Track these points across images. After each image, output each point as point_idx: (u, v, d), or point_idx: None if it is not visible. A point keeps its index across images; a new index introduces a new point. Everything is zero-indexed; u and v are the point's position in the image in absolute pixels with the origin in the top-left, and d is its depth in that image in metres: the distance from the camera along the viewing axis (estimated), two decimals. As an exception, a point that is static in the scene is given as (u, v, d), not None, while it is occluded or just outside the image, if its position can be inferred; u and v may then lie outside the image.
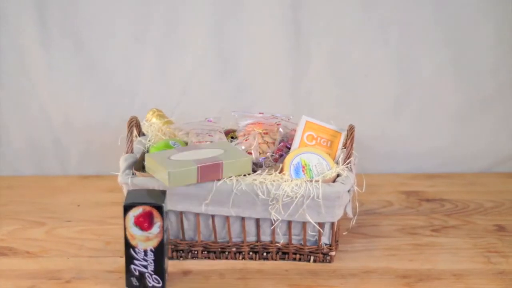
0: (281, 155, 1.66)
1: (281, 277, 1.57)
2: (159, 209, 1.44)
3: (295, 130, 1.70)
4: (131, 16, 2.03)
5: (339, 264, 1.62)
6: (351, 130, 1.64)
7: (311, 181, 1.55)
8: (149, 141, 1.74)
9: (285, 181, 1.55)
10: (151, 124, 1.81)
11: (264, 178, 1.56)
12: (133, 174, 1.59)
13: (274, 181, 1.56)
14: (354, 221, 1.72)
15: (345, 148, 1.66)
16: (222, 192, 1.55)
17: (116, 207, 1.89)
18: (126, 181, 1.57)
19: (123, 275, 1.57)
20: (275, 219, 1.58)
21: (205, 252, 1.63)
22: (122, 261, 1.63)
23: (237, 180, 1.55)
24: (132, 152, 1.64)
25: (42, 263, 1.63)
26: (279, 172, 1.60)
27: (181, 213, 1.60)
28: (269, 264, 1.62)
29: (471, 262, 1.62)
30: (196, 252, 1.64)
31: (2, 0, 2.00)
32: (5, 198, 1.98)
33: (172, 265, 1.62)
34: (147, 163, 1.55)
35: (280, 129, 1.71)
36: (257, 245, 1.63)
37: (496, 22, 2.03)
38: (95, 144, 2.11)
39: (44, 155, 2.14)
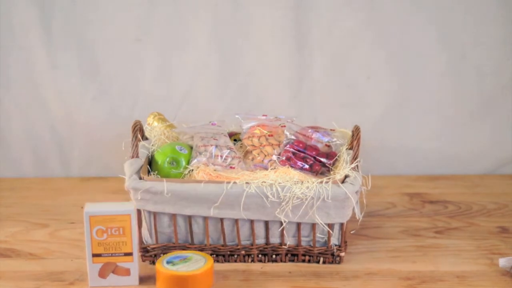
0: (288, 158, 1.66)
1: (284, 278, 1.57)
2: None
3: (299, 132, 1.70)
4: (133, 18, 2.03)
5: (342, 265, 1.62)
6: (357, 131, 1.64)
7: (320, 182, 1.55)
8: (152, 145, 1.73)
9: (295, 183, 1.55)
10: (152, 128, 1.80)
11: (273, 180, 1.56)
12: (140, 178, 1.59)
13: (283, 182, 1.56)
14: (358, 223, 1.72)
15: (351, 149, 1.66)
16: (231, 195, 1.55)
17: (119, 209, 1.90)
18: (135, 186, 1.56)
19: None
20: (285, 222, 1.58)
21: (214, 255, 1.63)
22: (125, 263, 1.64)
23: (246, 182, 1.55)
24: (137, 156, 1.64)
25: (45, 265, 1.63)
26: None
27: (189, 217, 1.59)
28: (272, 266, 1.62)
29: (474, 264, 1.62)
30: (205, 256, 1.64)
31: (5, 2, 2.00)
32: (8, 200, 1.98)
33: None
34: None
35: (286, 132, 1.71)
36: (266, 248, 1.62)
37: (499, 23, 2.03)
38: (98, 146, 2.11)
39: (46, 156, 2.14)
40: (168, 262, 1.50)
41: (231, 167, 1.64)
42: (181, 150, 1.67)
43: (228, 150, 1.67)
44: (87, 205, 1.51)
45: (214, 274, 1.53)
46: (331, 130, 1.74)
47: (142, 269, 1.61)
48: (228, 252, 1.63)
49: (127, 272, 1.53)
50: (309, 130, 1.72)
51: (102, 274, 1.52)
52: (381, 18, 2.03)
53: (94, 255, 1.51)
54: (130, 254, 1.52)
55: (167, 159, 1.65)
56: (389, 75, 2.08)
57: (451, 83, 2.08)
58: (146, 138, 1.76)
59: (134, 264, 1.53)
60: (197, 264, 1.49)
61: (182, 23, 2.04)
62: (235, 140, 1.77)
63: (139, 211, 1.60)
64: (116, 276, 1.53)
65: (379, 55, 2.06)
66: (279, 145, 1.69)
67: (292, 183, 1.56)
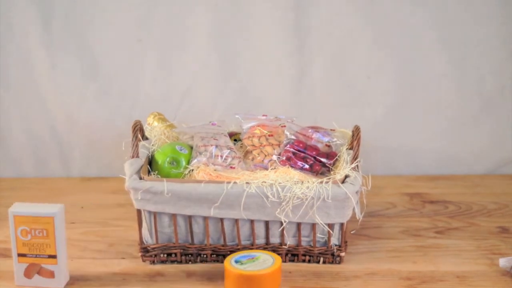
0: (288, 158, 1.66)
1: (284, 278, 1.57)
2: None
3: (300, 132, 1.70)
4: (133, 18, 2.03)
5: (342, 266, 1.62)
6: (357, 131, 1.64)
7: (320, 182, 1.55)
8: (152, 145, 1.73)
9: (295, 183, 1.55)
10: (152, 128, 1.80)
11: (273, 180, 1.56)
12: (140, 178, 1.58)
13: (283, 182, 1.56)
14: (358, 223, 1.72)
15: (351, 149, 1.66)
16: (232, 195, 1.55)
17: (119, 209, 1.90)
18: (135, 186, 1.56)
19: (127, 276, 1.57)
20: (285, 222, 1.58)
21: (214, 255, 1.63)
22: (125, 262, 1.63)
23: (246, 182, 1.55)
24: (137, 156, 1.64)
25: (46, 265, 1.63)
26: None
27: (189, 217, 1.59)
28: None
29: (474, 264, 1.62)
30: (205, 256, 1.63)
31: (5, 2, 2.00)
32: (8, 200, 1.97)
33: (175, 267, 1.62)
34: None
35: (286, 132, 1.71)
36: (266, 248, 1.62)
37: (499, 23, 2.03)
38: (98, 146, 2.11)
39: (47, 156, 2.14)
40: (236, 261, 1.51)
41: (231, 167, 1.64)
42: (181, 150, 1.67)
43: (228, 150, 1.67)
44: (15, 204, 1.51)
45: (282, 274, 1.55)
46: (331, 130, 1.74)
47: (140, 268, 1.61)
48: (229, 252, 1.62)
49: (51, 274, 1.51)
50: (309, 130, 1.72)
51: (28, 274, 1.52)
52: (381, 18, 2.03)
53: (19, 255, 1.51)
54: (54, 256, 1.51)
55: (167, 159, 1.65)
56: (389, 75, 2.08)
57: (451, 83, 2.08)
58: (146, 138, 1.76)
59: (59, 267, 1.51)
60: (264, 264, 1.51)
61: (182, 23, 2.04)
62: (235, 140, 1.77)
63: (139, 211, 1.60)
64: (41, 278, 1.52)
65: (379, 55, 2.06)
66: (279, 145, 1.69)
67: (292, 183, 1.56)
